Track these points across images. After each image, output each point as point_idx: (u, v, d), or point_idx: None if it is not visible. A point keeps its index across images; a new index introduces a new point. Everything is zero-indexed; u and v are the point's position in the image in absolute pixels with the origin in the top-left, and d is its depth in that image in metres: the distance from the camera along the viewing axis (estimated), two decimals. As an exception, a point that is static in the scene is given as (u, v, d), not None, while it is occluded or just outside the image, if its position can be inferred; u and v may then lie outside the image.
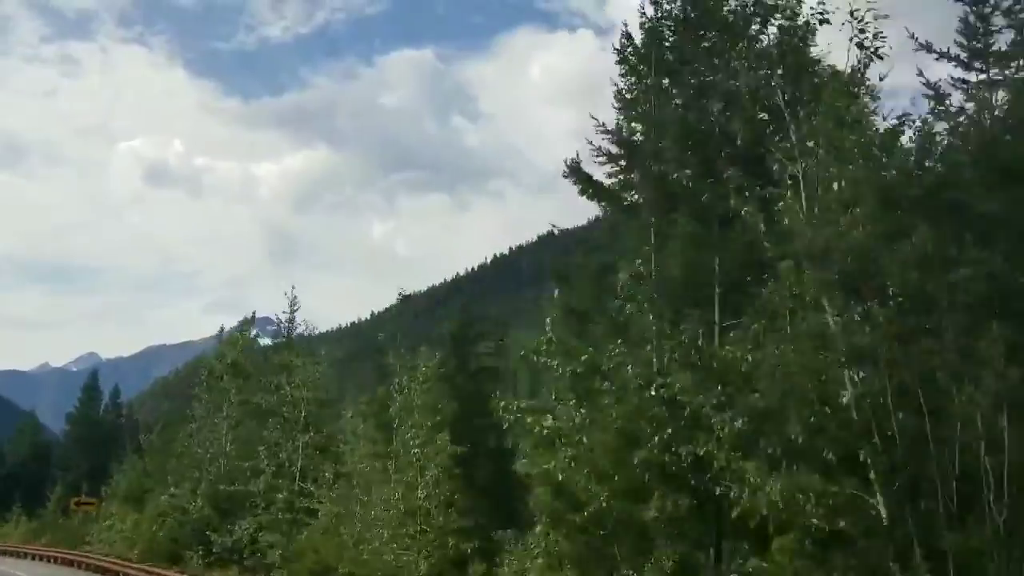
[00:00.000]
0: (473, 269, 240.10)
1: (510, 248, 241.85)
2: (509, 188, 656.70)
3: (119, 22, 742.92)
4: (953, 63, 16.32)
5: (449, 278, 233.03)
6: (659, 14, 17.66)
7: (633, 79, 17.76)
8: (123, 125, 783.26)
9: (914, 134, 13.40)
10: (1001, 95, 15.83)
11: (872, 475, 11.50)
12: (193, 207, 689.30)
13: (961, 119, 15.78)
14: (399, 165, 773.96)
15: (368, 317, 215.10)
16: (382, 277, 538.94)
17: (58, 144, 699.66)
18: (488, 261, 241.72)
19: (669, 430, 14.24)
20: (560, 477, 15.52)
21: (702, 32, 17.42)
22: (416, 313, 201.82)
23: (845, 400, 11.61)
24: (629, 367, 15.54)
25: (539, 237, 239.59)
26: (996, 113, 15.50)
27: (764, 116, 15.91)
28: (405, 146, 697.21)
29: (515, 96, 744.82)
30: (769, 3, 16.28)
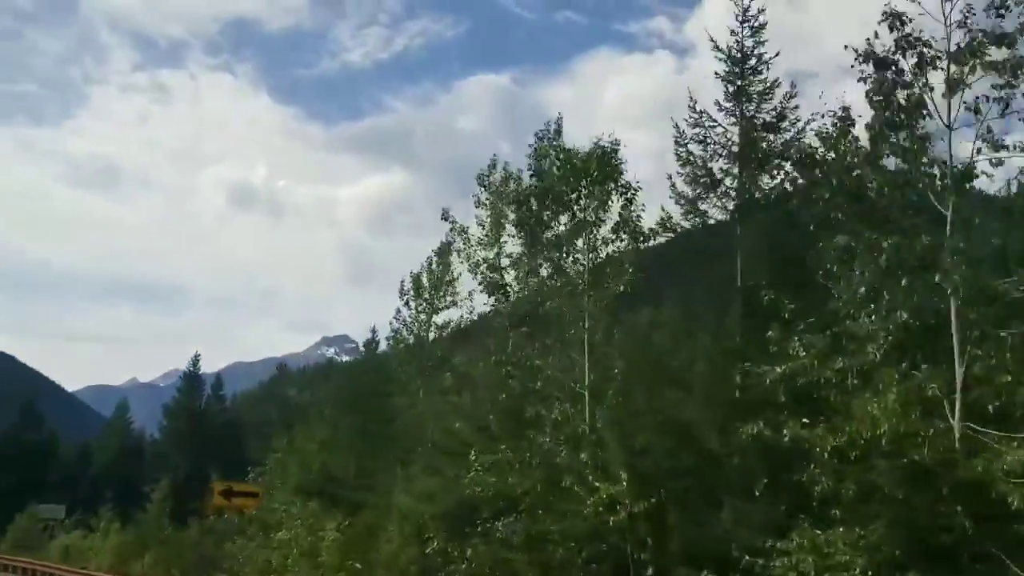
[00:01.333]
0: None
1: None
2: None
3: (207, 50, 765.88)
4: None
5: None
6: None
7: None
8: (210, 150, 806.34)
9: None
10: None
11: None
12: (274, 229, 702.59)
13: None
14: (473, 187, 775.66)
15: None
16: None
17: (149, 169, 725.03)
18: None
19: None
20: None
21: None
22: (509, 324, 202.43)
23: None
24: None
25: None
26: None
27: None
28: (479, 169, 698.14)
29: (591, 118, 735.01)
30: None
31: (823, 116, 14.56)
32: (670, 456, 15.25)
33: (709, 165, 19.70)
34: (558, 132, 23.91)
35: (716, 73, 19.85)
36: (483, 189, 25.27)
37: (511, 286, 23.91)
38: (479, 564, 17.13)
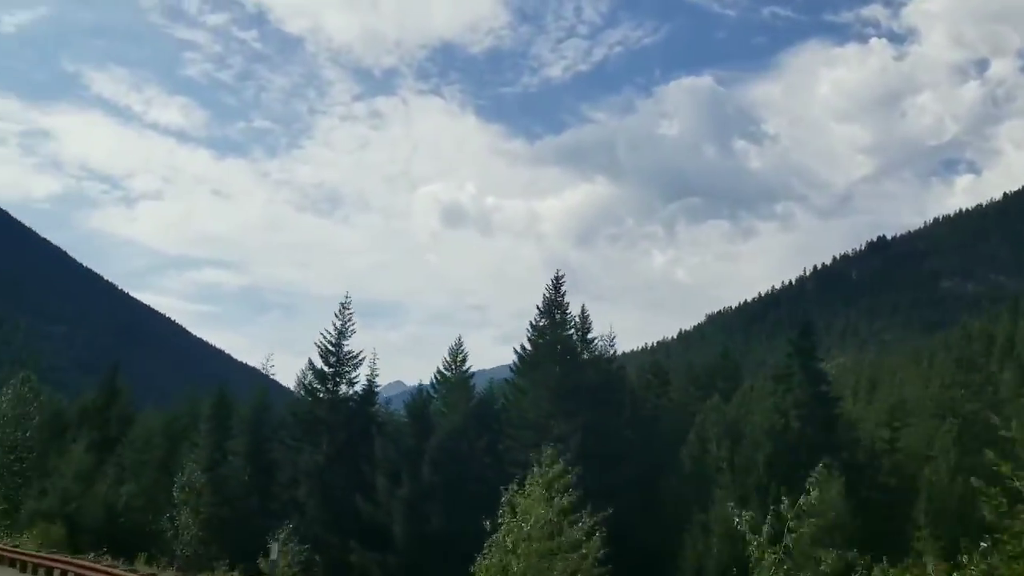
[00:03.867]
0: (790, 282, 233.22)
1: (834, 257, 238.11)
2: (797, 210, 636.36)
3: (418, 76, 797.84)
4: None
5: (759, 295, 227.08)
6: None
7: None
8: (422, 171, 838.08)
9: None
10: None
11: None
12: (483, 244, 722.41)
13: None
14: (678, 193, 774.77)
15: (660, 341, 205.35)
16: (662, 306, 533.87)
17: (367, 192, 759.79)
18: (807, 273, 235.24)
19: None
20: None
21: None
22: (730, 330, 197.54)
23: None
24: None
25: (868, 244, 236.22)
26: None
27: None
28: (684, 174, 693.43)
29: (802, 114, 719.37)
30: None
31: None
32: None
33: None
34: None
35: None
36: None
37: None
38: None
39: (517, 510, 20.36)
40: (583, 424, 43.51)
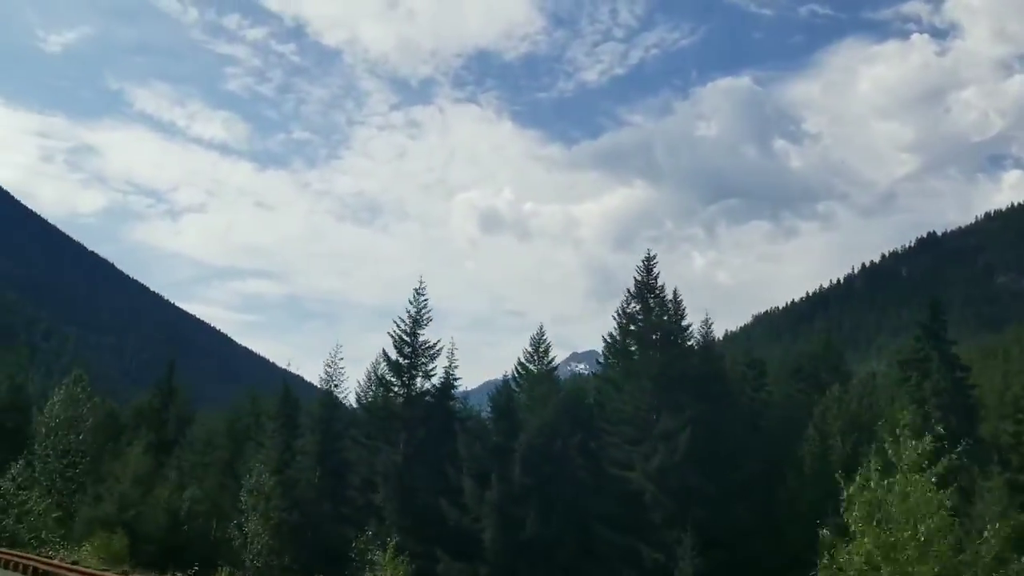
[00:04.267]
0: (839, 281, 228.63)
1: (883, 255, 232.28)
2: (839, 209, 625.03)
3: (454, 84, 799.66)
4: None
5: (807, 294, 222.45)
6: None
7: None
8: (459, 178, 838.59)
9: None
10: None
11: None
12: (521, 250, 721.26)
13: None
14: (718, 195, 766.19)
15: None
16: (704, 309, 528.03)
17: (406, 201, 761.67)
18: (856, 271, 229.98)
19: None
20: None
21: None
22: (778, 331, 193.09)
23: None
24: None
25: (918, 241, 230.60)
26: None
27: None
28: (724, 175, 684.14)
29: (842, 113, 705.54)
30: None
31: None
32: None
33: None
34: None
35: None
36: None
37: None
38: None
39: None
40: (690, 418, 38.67)
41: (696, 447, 38.22)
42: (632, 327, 44.21)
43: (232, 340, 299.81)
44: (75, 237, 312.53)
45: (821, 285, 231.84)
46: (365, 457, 43.32)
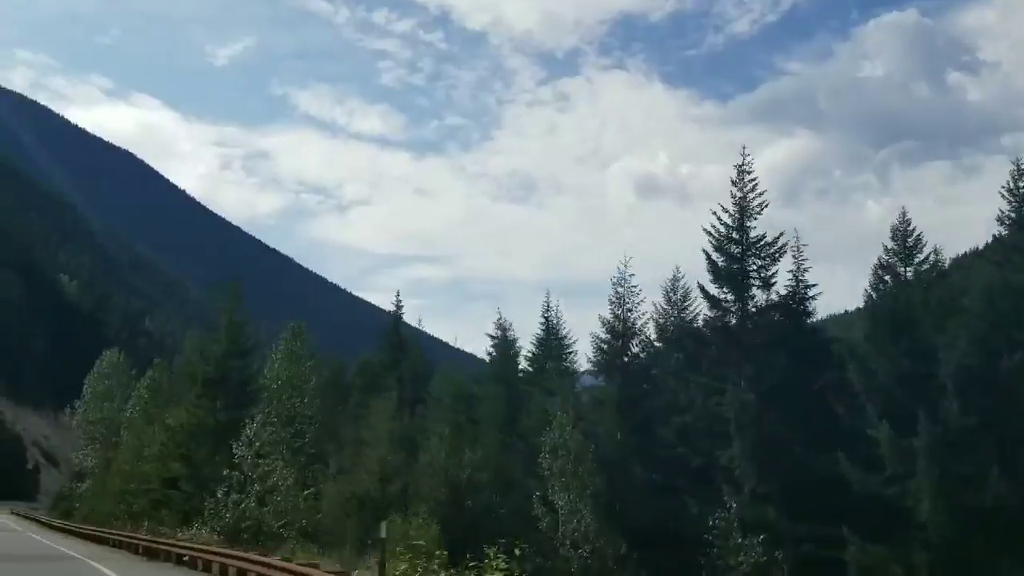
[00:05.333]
0: None
1: None
2: None
3: (599, 52, 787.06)
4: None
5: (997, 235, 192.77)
6: None
7: None
8: (612, 147, 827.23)
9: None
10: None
11: None
12: (681, 214, 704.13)
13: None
14: (889, 138, 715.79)
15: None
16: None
17: (559, 175, 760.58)
18: None
19: None
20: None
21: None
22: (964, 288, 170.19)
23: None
24: None
25: None
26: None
27: None
28: (894, 116, 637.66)
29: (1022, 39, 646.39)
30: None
31: None
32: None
33: None
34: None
35: None
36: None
37: None
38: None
39: None
40: None
41: None
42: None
43: (408, 324, 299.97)
44: (257, 236, 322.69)
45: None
46: (685, 399, 31.00)
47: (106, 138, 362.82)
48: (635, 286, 33.92)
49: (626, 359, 33.45)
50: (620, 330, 33.66)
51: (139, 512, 34.14)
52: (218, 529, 23.23)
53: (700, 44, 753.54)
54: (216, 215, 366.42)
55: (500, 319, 41.19)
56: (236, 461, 24.50)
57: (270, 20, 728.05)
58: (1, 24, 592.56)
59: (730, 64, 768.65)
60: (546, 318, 40.77)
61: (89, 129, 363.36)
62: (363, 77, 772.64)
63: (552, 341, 39.89)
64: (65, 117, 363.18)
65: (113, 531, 32.59)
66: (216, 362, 31.30)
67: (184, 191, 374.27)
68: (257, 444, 24.86)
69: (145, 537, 27.21)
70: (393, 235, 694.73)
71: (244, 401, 31.26)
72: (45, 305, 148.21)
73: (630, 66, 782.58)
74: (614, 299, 33.90)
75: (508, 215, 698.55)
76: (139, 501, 34.42)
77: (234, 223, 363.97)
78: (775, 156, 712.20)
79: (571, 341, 40.28)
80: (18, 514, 69.81)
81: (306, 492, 26.44)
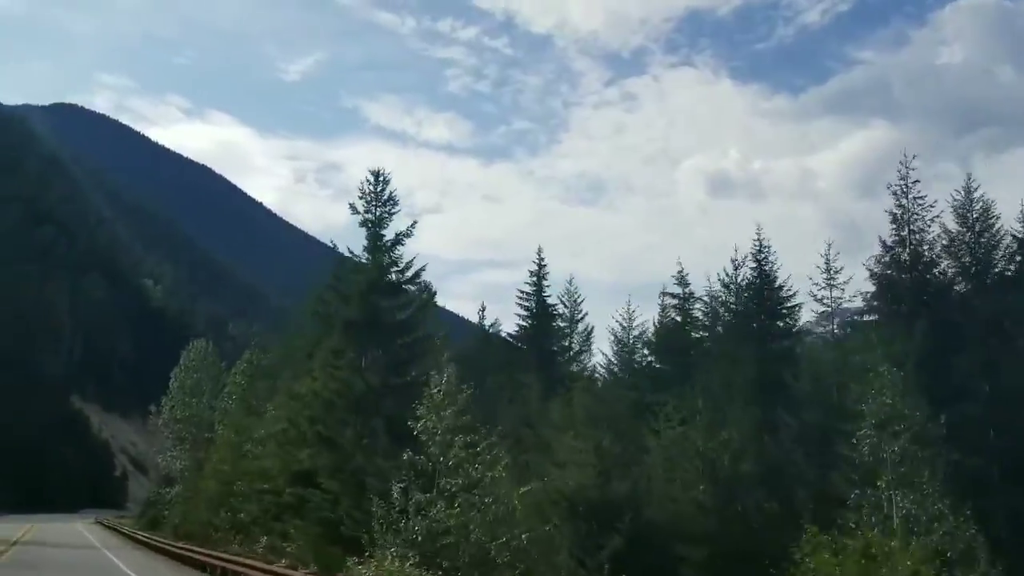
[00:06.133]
0: None
1: None
2: None
3: (666, 50, 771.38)
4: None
5: None
6: None
7: None
8: (681, 145, 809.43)
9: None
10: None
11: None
12: (755, 211, 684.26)
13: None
14: (971, 125, 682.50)
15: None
16: None
17: (629, 175, 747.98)
18: None
19: None
20: None
21: None
22: None
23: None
24: None
25: None
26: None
27: None
28: (975, 103, 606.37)
29: None
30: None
31: None
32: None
33: None
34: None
35: None
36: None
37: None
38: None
39: None
40: None
41: None
42: None
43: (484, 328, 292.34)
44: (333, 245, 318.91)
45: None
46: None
47: (186, 155, 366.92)
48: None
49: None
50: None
51: (248, 522, 25.50)
52: (410, 555, 13.94)
53: (769, 37, 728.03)
54: (294, 226, 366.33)
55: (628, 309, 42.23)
56: (421, 437, 15.24)
57: (338, 34, 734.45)
58: (83, 48, 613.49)
59: (801, 56, 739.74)
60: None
61: (170, 147, 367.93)
62: (430, 86, 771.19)
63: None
64: (146, 135, 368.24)
65: (216, 552, 23.33)
66: (359, 298, 21.51)
67: (261, 203, 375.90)
68: (447, 413, 15.62)
69: (282, 569, 17.24)
70: (464, 241, 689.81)
71: (403, 357, 21.69)
72: (131, 310, 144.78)
73: (698, 63, 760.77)
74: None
75: (578, 217, 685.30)
76: (247, 507, 25.80)
77: (310, 233, 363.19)
78: (851, 148, 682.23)
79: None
80: (103, 524, 62.95)
81: (523, 490, 17.16)
